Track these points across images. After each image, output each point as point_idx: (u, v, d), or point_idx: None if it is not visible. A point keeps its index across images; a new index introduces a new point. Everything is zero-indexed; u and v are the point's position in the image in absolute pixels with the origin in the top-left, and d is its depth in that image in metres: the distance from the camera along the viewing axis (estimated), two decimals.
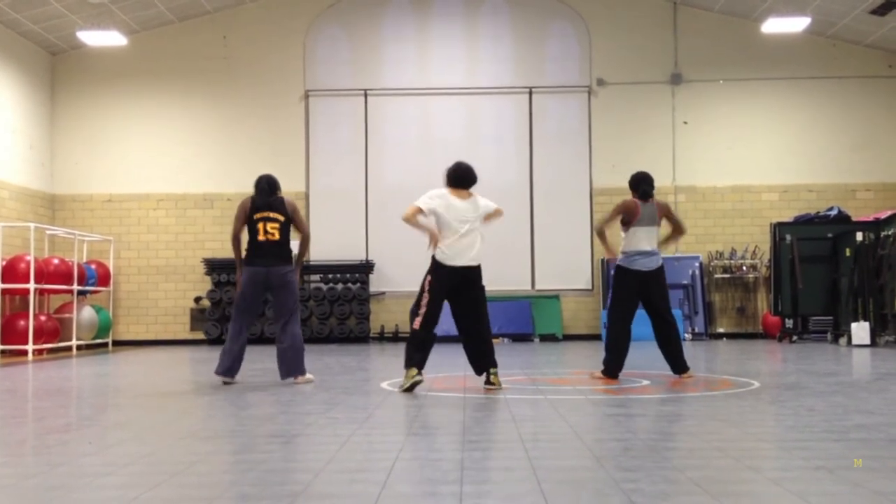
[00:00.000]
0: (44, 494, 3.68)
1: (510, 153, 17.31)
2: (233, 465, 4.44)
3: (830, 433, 4.97)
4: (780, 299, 14.89)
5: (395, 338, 16.66)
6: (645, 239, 8.24)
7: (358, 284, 16.67)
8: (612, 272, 8.87)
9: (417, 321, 7.28)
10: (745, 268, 16.88)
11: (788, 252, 14.80)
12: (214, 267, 16.53)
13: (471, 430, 5.25)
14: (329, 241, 16.29)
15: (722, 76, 17.28)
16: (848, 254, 14.07)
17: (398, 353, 11.89)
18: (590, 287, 17.06)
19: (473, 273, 7.35)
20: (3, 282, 13.63)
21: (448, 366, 9.54)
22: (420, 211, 7.30)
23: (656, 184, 8.64)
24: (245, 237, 8.23)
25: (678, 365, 8.25)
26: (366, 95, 17.28)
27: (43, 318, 14.07)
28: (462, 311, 7.43)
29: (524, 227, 17.02)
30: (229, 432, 5.49)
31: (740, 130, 17.26)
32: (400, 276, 16.51)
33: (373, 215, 16.95)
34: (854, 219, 15.29)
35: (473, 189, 7.55)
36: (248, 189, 8.49)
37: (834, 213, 15.33)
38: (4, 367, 11.15)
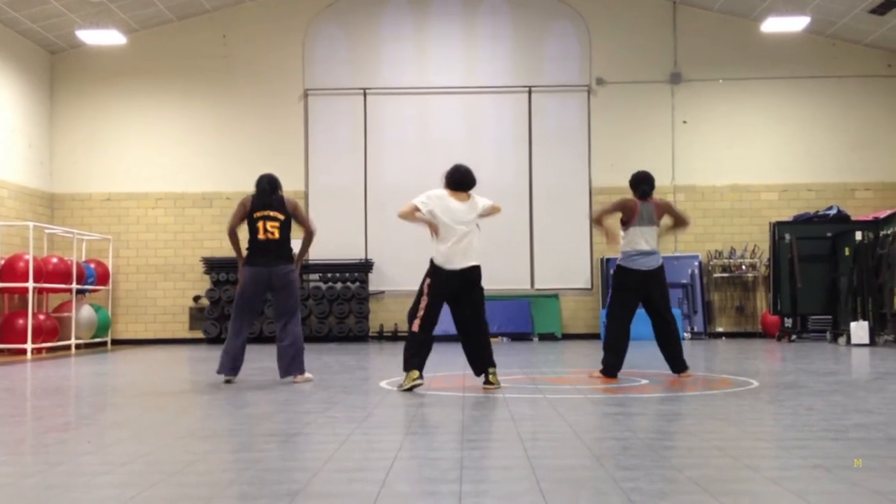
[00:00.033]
0: (42, 493, 3.67)
1: (509, 152, 17.31)
2: (231, 464, 4.44)
3: (829, 432, 4.97)
4: (780, 298, 14.89)
5: (394, 337, 16.66)
6: (644, 239, 8.24)
7: (357, 283, 16.67)
8: (612, 271, 8.87)
9: (416, 324, 7.28)
10: (744, 267, 16.88)
11: (787, 251, 14.80)
12: (213, 266, 16.52)
13: (470, 429, 5.25)
14: (328, 240, 16.27)
15: (721, 75, 17.28)
16: (847, 253, 14.07)
17: (397, 352, 11.88)
18: (589, 286, 17.06)
19: (474, 274, 7.34)
20: (2, 281, 13.62)
21: (447, 365, 9.54)
22: (417, 209, 7.31)
23: (655, 183, 8.63)
24: (246, 236, 8.23)
25: (677, 364, 8.26)
26: (365, 94, 17.28)
27: (42, 316, 14.06)
28: (461, 312, 7.42)
29: (523, 226, 17.02)
30: (228, 431, 5.49)
31: (739, 130, 17.27)
32: (399, 275, 16.51)
33: (372, 214, 16.94)
34: (853, 218, 15.29)
35: (473, 191, 7.54)
36: (247, 188, 8.49)
37: (833, 212, 15.33)
38: (3, 366, 11.14)
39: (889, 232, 13.48)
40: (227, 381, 8.08)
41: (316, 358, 11.30)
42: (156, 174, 17.12)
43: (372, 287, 16.87)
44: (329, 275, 16.70)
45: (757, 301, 17.04)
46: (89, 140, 17.22)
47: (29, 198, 16.20)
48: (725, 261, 16.94)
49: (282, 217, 8.14)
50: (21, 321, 13.57)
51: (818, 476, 3.81)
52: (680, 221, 8.66)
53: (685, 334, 15.70)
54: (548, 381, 8.26)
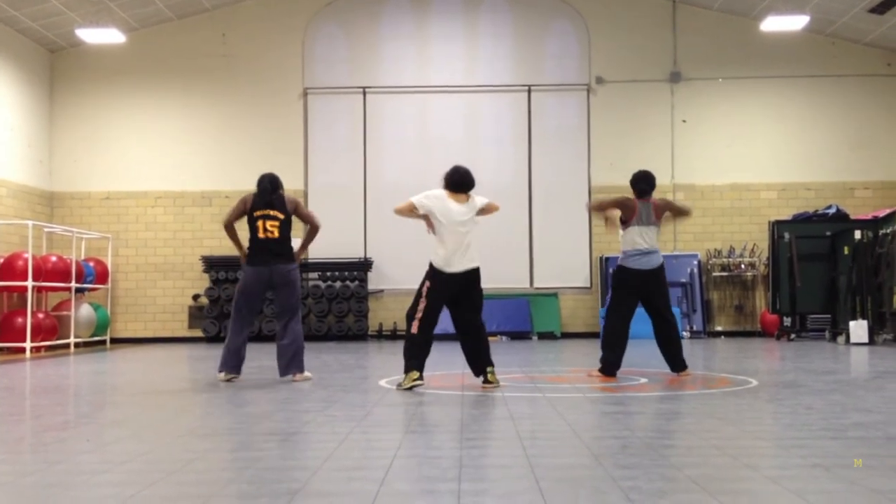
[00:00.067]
0: (41, 492, 3.68)
1: (509, 151, 17.30)
2: (230, 462, 4.44)
3: (828, 431, 4.98)
4: (779, 297, 14.89)
5: (393, 336, 16.65)
6: (642, 238, 8.24)
7: (356, 282, 16.67)
8: (612, 270, 8.87)
9: (415, 325, 7.27)
10: (743, 266, 16.89)
11: (787, 250, 14.80)
12: (212, 264, 16.52)
13: (469, 428, 5.25)
14: (327, 239, 16.15)
15: (721, 74, 17.28)
16: (846, 252, 14.07)
17: (396, 350, 11.89)
18: (588, 285, 17.06)
19: (473, 275, 7.34)
20: (1, 279, 13.61)
21: (446, 364, 9.54)
22: (414, 207, 7.31)
23: (656, 182, 8.62)
24: (244, 235, 8.24)
25: (676, 363, 8.27)
26: (364, 93, 17.28)
27: (41, 315, 14.06)
28: (461, 314, 7.40)
29: (522, 224, 17.02)
30: (227, 430, 5.49)
31: (739, 128, 17.27)
32: (398, 273, 16.51)
33: (371, 213, 16.94)
34: (852, 217, 15.29)
35: (472, 191, 7.54)
36: (247, 187, 8.50)
37: (832, 211, 15.33)
38: (2, 365, 11.14)
39: (888, 231, 13.49)
40: (228, 380, 8.09)
41: (315, 357, 11.29)
42: (155, 173, 17.12)
43: (371, 286, 16.87)
44: (328, 273, 16.70)
45: (756, 300, 17.04)
46: (89, 139, 17.21)
47: (28, 196, 16.19)
48: (725, 260, 16.94)
49: (281, 216, 8.14)
50: (20, 320, 13.56)
51: (817, 475, 3.81)
52: (681, 213, 8.73)
53: (684, 333, 15.70)
54: (547, 380, 8.26)
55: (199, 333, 16.54)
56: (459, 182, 7.42)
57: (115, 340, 16.55)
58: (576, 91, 17.32)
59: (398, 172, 16.76)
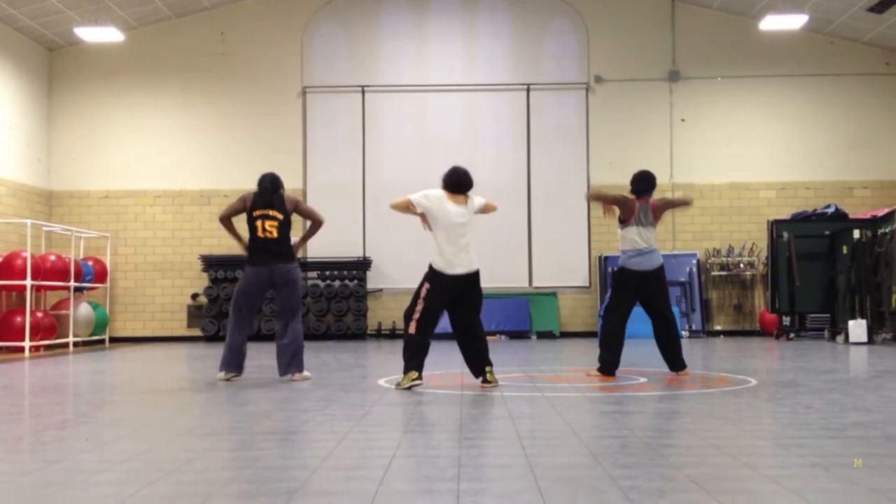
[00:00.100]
0: (40, 491, 3.67)
1: (508, 150, 17.30)
2: (230, 461, 4.44)
3: (827, 430, 4.97)
4: (778, 297, 14.89)
5: (392, 335, 16.65)
6: (641, 237, 8.24)
7: (355, 281, 16.67)
8: (612, 270, 8.87)
9: (412, 325, 7.27)
10: (742, 265, 16.89)
11: (786, 249, 14.80)
12: (211, 263, 16.52)
13: (467, 427, 5.25)
14: (326, 238, 16.16)
15: (720, 73, 17.28)
16: (845, 251, 14.07)
17: (395, 350, 11.88)
18: (587, 284, 17.06)
19: (473, 278, 7.33)
20: (0, 278, 13.61)
21: (444, 363, 9.54)
22: (411, 204, 7.30)
23: (656, 182, 8.60)
24: (245, 234, 8.25)
25: (676, 363, 8.27)
26: (363, 92, 17.27)
27: (40, 314, 14.05)
28: (460, 314, 7.39)
29: (521, 224, 17.02)
30: (226, 429, 5.48)
31: (738, 128, 17.27)
32: (397, 273, 16.51)
33: (370, 212, 16.94)
34: (851, 216, 15.30)
35: (470, 191, 7.52)
36: (246, 185, 8.51)
37: (831, 210, 15.34)
38: (1, 364, 11.13)
39: (887, 230, 13.50)
40: (228, 379, 8.09)
41: (314, 356, 11.29)
42: (154, 171, 17.11)
43: (370, 285, 16.87)
44: (327, 272, 16.70)
45: (755, 299, 17.05)
46: (87, 137, 17.20)
47: (27, 195, 16.18)
48: (724, 259, 16.94)
49: (280, 217, 8.14)
50: (19, 319, 13.55)
51: (816, 474, 3.81)
52: (682, 206, 8.79)
53: (683, 332, 15.69)
54: (546, 380, 8.26)
55: (197, 332, 16.54)
56: (458, 183, 7.41)
57: (113, 339, 16.55)
58: (575, 90, 17.32)
59: (397, 171, 16.76)
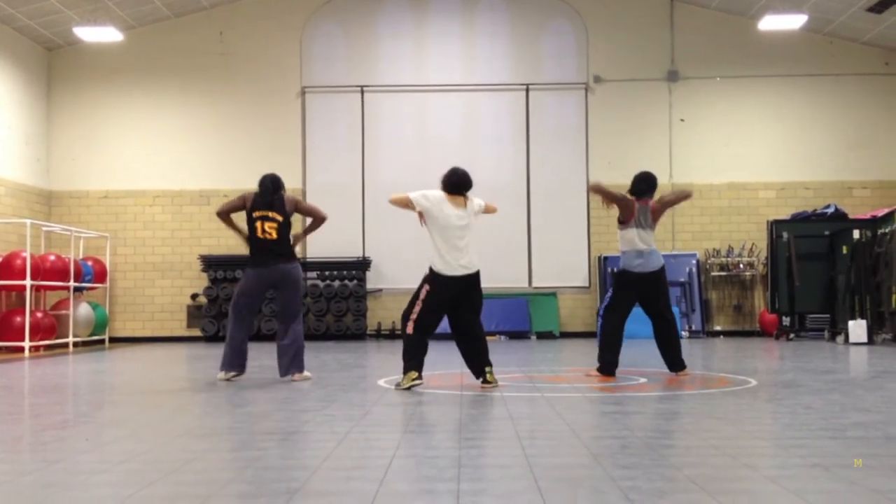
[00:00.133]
0: (40, 491, 3.67)
1: (507, 150, 17.30)
2: (229, 462, 4.43)
3: (827, 431, 4.97)
4: (777, 297, 14.89)
5: (391, 335, 16.65)
6: (640, 239, 8.24)
7: (355, 281, 16.66)
8: (612, 270, 8.87)
9: (409, 325, 7.26)
10: (742, 265, 16.89)
11: (785, 250, 14.80)
12: (211, 264, 16.52)
13: (467, 428, 5.24)
14: (326, 238, 16.24)
15: (719, 73, 17.28)
16: (845, 251, 14.08)
17: (395, 350, 11.88)
18: (587, 284, 17.06)
19: (473, 279, 7.33)
20: (0, 278, 13.60)
21: (444, 363, 9.54)
22: (410, 203, 7.29)
23: (656, 183, 8.59)
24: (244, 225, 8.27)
25: (675, 363, 8.27)
26: (362, 92, 17.27)
27: (39, 314, 14.05)
28: (460, 314, 7.38)
29: (521, 224, 17.02)
30: (226, 429, 5.48)
31: (737, 128, 17.27)
32: (397, 273, 16.51)
33: (370, 212, 16.93)
34: (851, 216, 15.31)
35: (470, 192, 7.51)
36: (245, 185, 8.53)
37: (831, 210, 15.34)
38: (1, 364, 11.13)
39: (887, 230, 13.50)
40: (228, 379, 8.08)
41: (314, 356, 11.29)
42: (153, 171, 17.11)
43: (370, 285, 16.86)
44: (327, 272, 16.69)
45: (755, 299, 17.05)
46: (86, 137, 17.19)
47: (26, 195, 16.18)
48: (723, 259, 16.94)
49: (280, 219, 8.14)
50: (19, 319, 13.55)
51: (816, 475, 3.81)
52: (681, 201, 8.80)
53: (683, 333, 15.69)
54: (546, 380, 8.26)
55: (197, 333, 16.53)
56: (457, 184, 7.39)
57: (113, 339, 16.54)
58: (574, 90, 17.32)
59: (396, 171, 16.75)
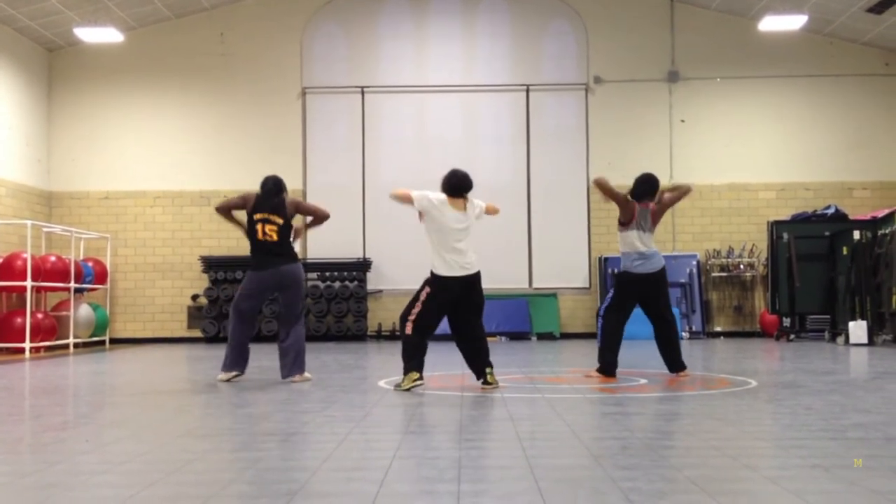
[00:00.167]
0: (40, 492, 3.67)
1: (507, 151, 17.30)
2: (230, 463, 4.44)
3: (827, 432, 4.97)
4: (778, 298, 14.89)
5: (392, 336, 16.64)
6: (640, 240, 8.25)
7: (355, 282, 16.66)
8: (614, 271, 8.87)
9: (408, 326, 7.26)
10: (742, 266, 16.89)
11: (786, 250, 14.80)
12: (211, 264, 16.52)
13: (468, 429, 5.25)
14: (326, 239, 16.24)
15: (719, 74, 17.28)
16: (845, 252, 14.08)
17: (395, 351, 11.86)
18: (587, 285, 17.06)
19: (474, 280, 7.33)
20: (0, 279, 13.61)
21: (445, 364, 9.54)
22: (411, 201, 7.29)
23: (657, 185, 8.60)
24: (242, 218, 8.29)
25: (675, 364, 8.27)
26: (363, 93, 17.27)
27: (40, 315, 14.05)
28: (462, 317, 7.38)
29: (521, 224, 17.02)
30: (226, 430, 5.48)
31: (737, 128, 17.27)
32: (397, 274, 16.51)
33: (370, 213, 16.94)
34: (851, 217, 15.30)
35: (469, 193, 7.51)
36: (245, 186, 8.53)
37: (831, 211, 15.34)
38: (1, 365, 11.13)
39: (887, 231, 13.50)
40: (228, 380, 8.09)
41: (314, 357, 11.28)
42: (154, 172, 17.11)
43: (370, 286, 16.86)
44: (327, 273, 16.70)
45: (755, 300, 17.04)
46: (87, 138, 17.20)
47: (27, 196, 16.18)
48: (723, 260, 16.94)
49: (280, 221, 8.14)
50: (19, 320, 13.55)
51: (816, 475, 3.81)
52: (682, 198, 8.81)
53: (683, 334, 15.70)
54: (546, 381, 8.26)
55: (197, 334, 16.54)
56: (458, 185, 7.39)
57: (114, 341, 16.54)
58: (574, 91, 17.32)
59: (397, 172, 16.73)
